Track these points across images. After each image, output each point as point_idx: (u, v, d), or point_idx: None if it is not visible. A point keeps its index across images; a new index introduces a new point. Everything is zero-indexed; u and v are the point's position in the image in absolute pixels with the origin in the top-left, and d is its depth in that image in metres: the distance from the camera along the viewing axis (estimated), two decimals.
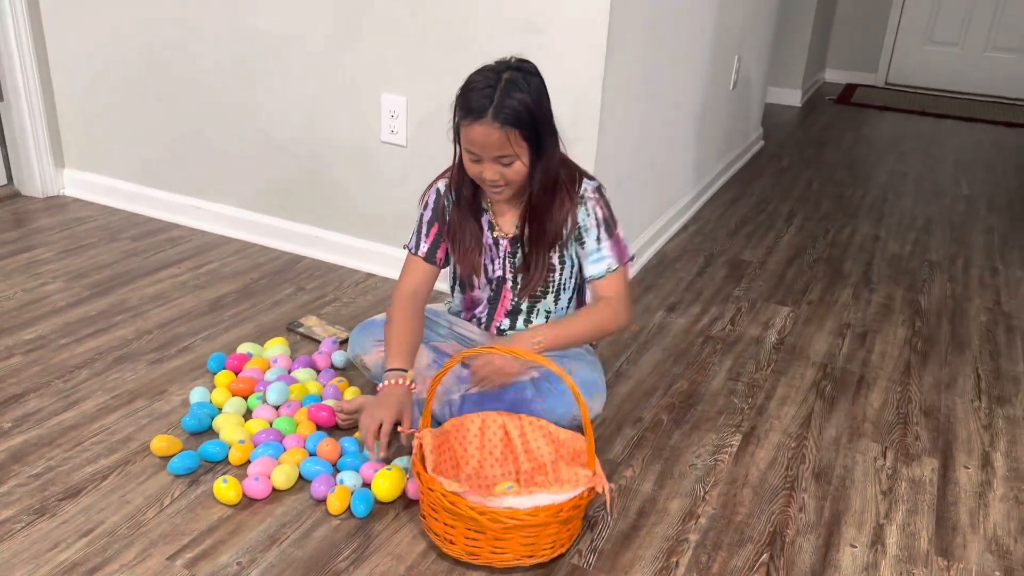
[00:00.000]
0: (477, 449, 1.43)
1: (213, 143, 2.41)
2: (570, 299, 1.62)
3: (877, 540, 1.39)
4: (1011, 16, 5.30)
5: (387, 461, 1.45)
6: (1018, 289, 2.47)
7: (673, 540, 1.36)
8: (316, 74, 2.17)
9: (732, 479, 1.52)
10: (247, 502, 1.38)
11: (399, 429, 1.40)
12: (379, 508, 1.38)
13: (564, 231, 1.51)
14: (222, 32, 2.26)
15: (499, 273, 1.59)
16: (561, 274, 1.57)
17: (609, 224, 1.53)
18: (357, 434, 1.54)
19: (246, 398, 1.64)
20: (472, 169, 1.45)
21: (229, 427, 1.51)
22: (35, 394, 1.65)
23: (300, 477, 1.43)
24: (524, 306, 1.61)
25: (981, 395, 1.87)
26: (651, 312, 2.17)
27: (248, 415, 1.61)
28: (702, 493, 1.48)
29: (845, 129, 4.49)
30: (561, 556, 1.30)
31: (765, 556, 1.33)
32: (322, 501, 1.38)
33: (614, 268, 1.53)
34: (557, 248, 1.54)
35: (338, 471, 1.45)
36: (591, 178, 1.54)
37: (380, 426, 1.39)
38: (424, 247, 1.59)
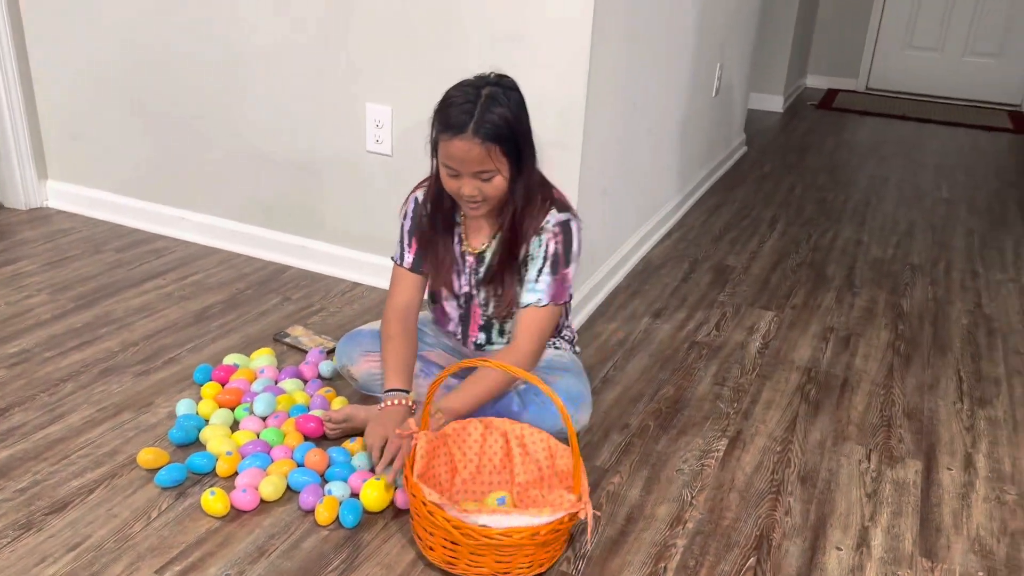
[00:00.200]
0: (476, 455, 1.43)
1: (197, 154, 2.41)
2: None
3: (862, 542, 1.40)
4: (988, 21, 5.37)
5: (394, 484, 1.43)
6: (998, 291, 2.50)
7: (661, 546, 1.37)
8: (301, 84, 2.17)
9: (719, 484, 1.53)
10: (235, 514, 1.38)
11: (397, 431, 1.41)
12: (368, 518, 1.38)
13: (520, 255, 1.50)
14: (206, 43, 2.26)
15: (465, 289, 1.59)
16: (516, 297, 1.56)
17: (557, 262, 1.49)
18: (346, 443, 1.54)
19: (233, 409, 1.64)
20: (450, 185, 1.44)
21: (216, 439, 1.51)
22: (20, 408, 1.64)
23: (288, 488, 1.43)
24: (496, 321, 1.61)
25: (963, 397, 1.90)
26: (637, 318, 2.18)
27: (235, 426, 1.61)
28: (689, 498, 1.49)
29: (827, 134, 4.53)
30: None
31: (752, 560, 1.35)
32: (310, 512, 1.38)
33: (542, 304, 1.50)
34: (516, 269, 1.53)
35: (326, 481, 1.45)
36: (563, 209, 1.50)
37: (384, 443, 1.41)
38: (409, 258, 1.59)
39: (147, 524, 1.35)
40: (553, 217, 1.49)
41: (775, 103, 5.02)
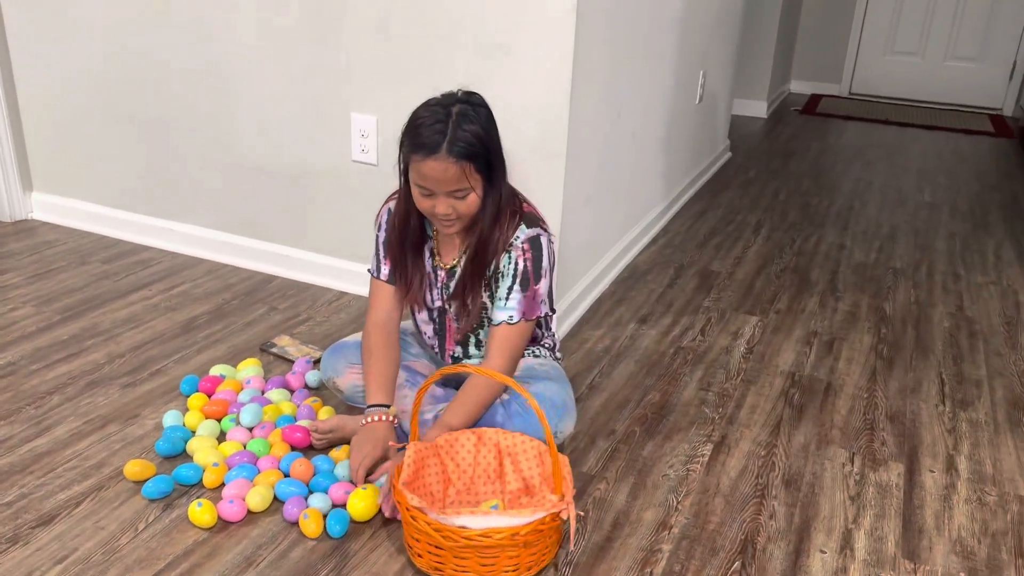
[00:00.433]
0: (470, 465, 1.44)
1: (182, 164, 2.41)
2: None
3: (846, 545, 1.42)
4: (969, 26, 5.43)
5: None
6: (979, 294, 2.53)
7: (647, 551, 1.38)
8: (285, 95, 2.18)
9: (704, 488, 1.55)
10: (222, 525, 1.38)
11: (391, 444, 1.42)
12: (355, 528, 1.39)
13: (489, 272, 1.51)
14: (191, 53, 2.27)
15: (438, 303, 1.60)
16: (483, 313, 1.57)
17: (527, 279, 1.50)
18: (332, 452, 1.55)
19: (219, 420, 1.64)
20: (423, 204, 1.43)
21: (203, 450, 1.51)
22: (6, 421, 1.64)
23: (275, 499, 1.43)
24: (471, 335, 1.62)
25: (945, 399, 1.92)
26: (623, 325, 2.20)
27: (222, 437, 1.61)
28: (675, 503, 1.50)
29: (811, 139, 4.57)
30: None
31: (737, 564, 1.36)
32: (294, 524, 1.39)
33: (514, 321, 1.50)
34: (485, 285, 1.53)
35: (312, 491, 1.45)
36: (533, 223, 1.50)
37: (367, 462, 1.42)
38: (385, 270, 1.60)
39: (134, 536, 1.35)
40: (523, 233, 1.48)
41: (759, 109, 5.05)
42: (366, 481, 1.44)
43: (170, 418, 1.63)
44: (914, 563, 1.39)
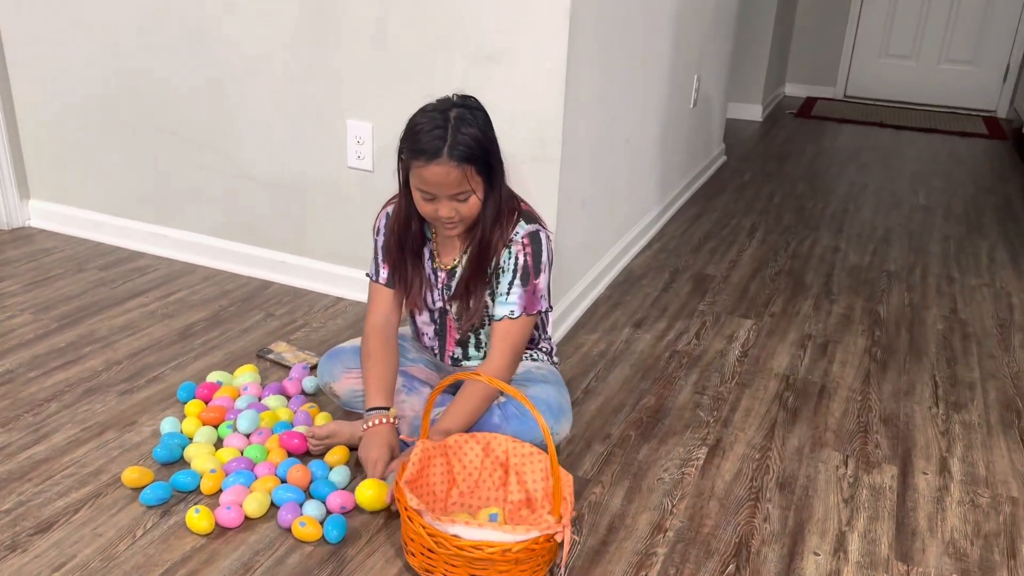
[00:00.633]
0: (476, 469, 1.45)
1: (179, 171, 2.42)
2: None
3: (839, 547, 1.43)
4: (962, 28, 5.46)
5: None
6: (973, 296, 2.55)
7: (642, 554, 1.39)
8: (281, 102, 2.19)
9: (699, 492, 1.56)
10: (220, 531, 1.39)
11: (402, 437, 1.46)
12: (352, 533, 1.40)
13: (490, 268, 1.53)
14: (187, 61, 2.28)
15: (439, 304, 1.61)
16: (486, 310, 1.59)
17: (528, 273, 1.52)
18: (328, 458, 1.55)
19: (217, 427, 1.65)
20: (426, 208, 1.45)
21: (200, 457, 1.52)
22: (4, 428, 1.65)
23: (272, 505, 1.44)
24: (471, 335, 1.64)
25: (938, 402, 1.93)
26: (618, 329, 2.21)
27: (219, 444, 1.62)
28: (670, 507, 1.51)
29: (805, 142, 4.59)
30: None
31: (731, 567, 1.37)
32: (288, 530, 1.40)
33: (515, 316, 1.52)
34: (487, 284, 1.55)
35: (310, 496, 1.46)
36: (531, 220, 1.53)
37: (381, 457, 1.45)
38: (384, 274, 1.61)
39: (132, 543, 1.35)
40: (522, 229, 1.51)
41: (754, 112, 5.07)
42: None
43: (167, 425, 1.63)
44: (907, 565, 1.40)
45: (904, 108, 5.68)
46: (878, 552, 1.42)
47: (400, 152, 1.44)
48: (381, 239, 1.60)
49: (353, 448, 1.59)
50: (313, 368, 1.90)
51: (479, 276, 1.52)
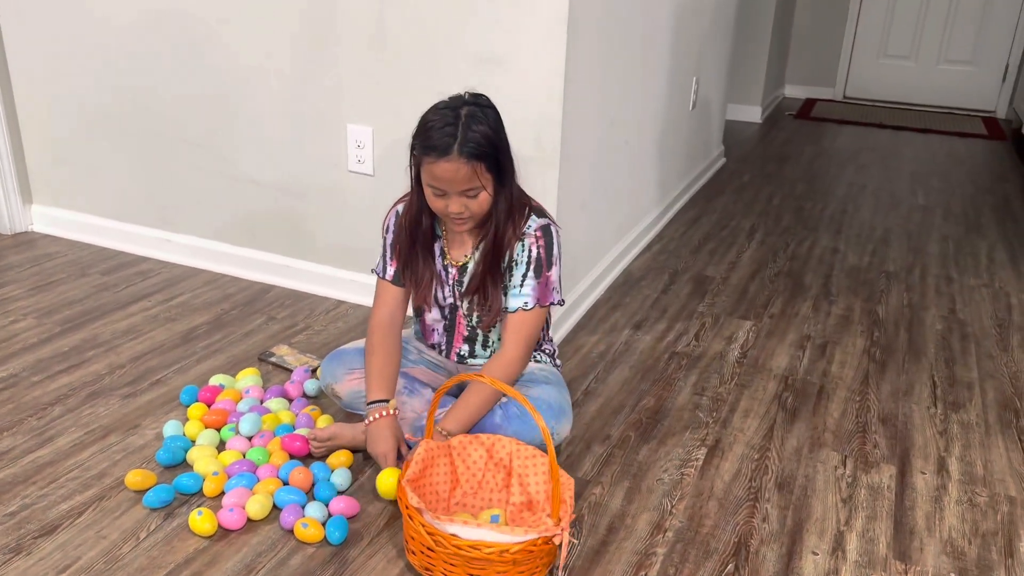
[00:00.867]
0: (480, 470, 1.46)
1: (180, 176, 2.44)
2: None
3: (838, 547, 1.44)
4: (961, 29, 5.47)
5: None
6: (972, 296, 2.55)
7: (642, 554, 1.40)
8: (282, 107, 2.21)
9: (698, 492, 1.57)
10: (222, 533, 1.40)
11: (407, 436, 1.48)
12: (353, 534, 1.41)
13: (503, 263, 1.55)
14: (188, 66, 2.29)
15: (450, 300, 1.63)
16: (506, 300, 1.61)
17: (540, 265, 1.55)
18: (330, 460, 1.57)
19: (219, 430, 1.66)
20: (436, 204, 1.48)
21: (203, 459, 1.53)
22: (8, 432, 1.66)
23: (274, 507, 1.45)
24: (480, 332, 1.65)
25: (937, 402, 1.94)
26: (618, 330, 2.22)
27: (221, 447, 1.63)
28: (669, 507, 1.52)
29: (805, 143, 4.60)
30: None
31: (730, 567, 1.38)
32: (290, 532, 1.41)
33: (529, 307, 1.55)
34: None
35: (313, 498, 1.47)
36: (541, 215, 1.56)
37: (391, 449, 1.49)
38: (391, 270, 1.63)
39: (136, 545, 1.37)
40: (534, 222, 1.55)
41: (753, 114, 5.08)
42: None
43: (170, 428, 1.65)
44: (905, 564, 1.41)
45: (903, 109, 5.69)
46: (876, 551, 1.43)
47: (412, 148, 1.47)
48: (390, 236, 1.62)
49: (355, 450, 1.60)
50: (314, 371, 1.91)
51: (494, 271, 1.55)
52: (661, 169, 2.98)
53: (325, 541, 1.39)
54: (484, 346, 1.67)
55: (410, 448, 1.54)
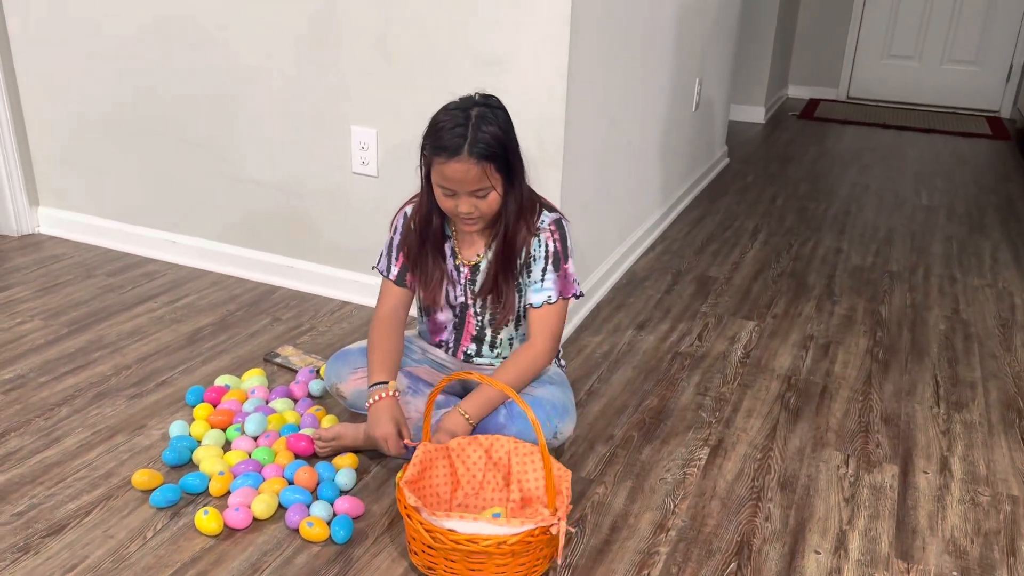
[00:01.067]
0: (480, 471, 1.47)
1: (186, 178, 2.45)
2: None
3: (840, 546, 1.44)
4: (965, 29, 5.46)
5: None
6: (975, 297, 2.56)
7: (644, 553, 1.40)
8: (286, 109, 2.22)
9: (701, 492, 1.57)
10: (228, 532, 1.41)
11: (405, 442, 1.48)
12: (358, 533, 1.42)
13: (519, 260, 1.57)
14: (193, 68, 2.31)
15: (461, 299, 1.64)
16: (519, 302, 1.62)
17: (558, 258, 1.57)
18: (334, 460, 1.58)
19: (225, 430, 1.67)
20: (446, 204, 1.50)
21: (209, 459, 1.54)
22: (16, 433, 1.67)
23: (280, 506, 1.46)
24: (488, 332, 1.66)
25: (940, 401, 1.94)
26: (621, 331, 2.23)
27: (227, 447, 1.64)
28: (672, 506, 1.53)
29: (808, 144, 4.60)
30: None
31: (733, 566, 1.38)
32: (295, 531, 1.42)
33: (553, 300, 1.58)
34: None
35: (318, 498, 1.48)
36: (552, 210, 1.59)
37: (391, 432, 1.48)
38: (394, 271, 1.64)
39: (143, 544, 1.38)
40: (546, 217, 1.57)
41: (757, 114, 5.09)
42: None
43: (176, 428, 1.66)
44: (907, 563, 1.41)
45: (907, 109, 5.69)
46: (878, 550, 1.44)
47: (423, 148, 1.48)
48: (397, 237, 1.64)
49: (359, 450, 1.61)
50: (319, 372, 1.92)
51: (507, 270, 1.56)
52: (664, 170, 2.98)
53: (330, 540, 1.40)
54: (492, 346, 1.68)
55: (408, 449, 1.55)
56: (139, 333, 2.11)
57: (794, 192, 3.64)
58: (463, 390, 1.71)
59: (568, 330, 2.18)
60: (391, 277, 1.65)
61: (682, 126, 3.12)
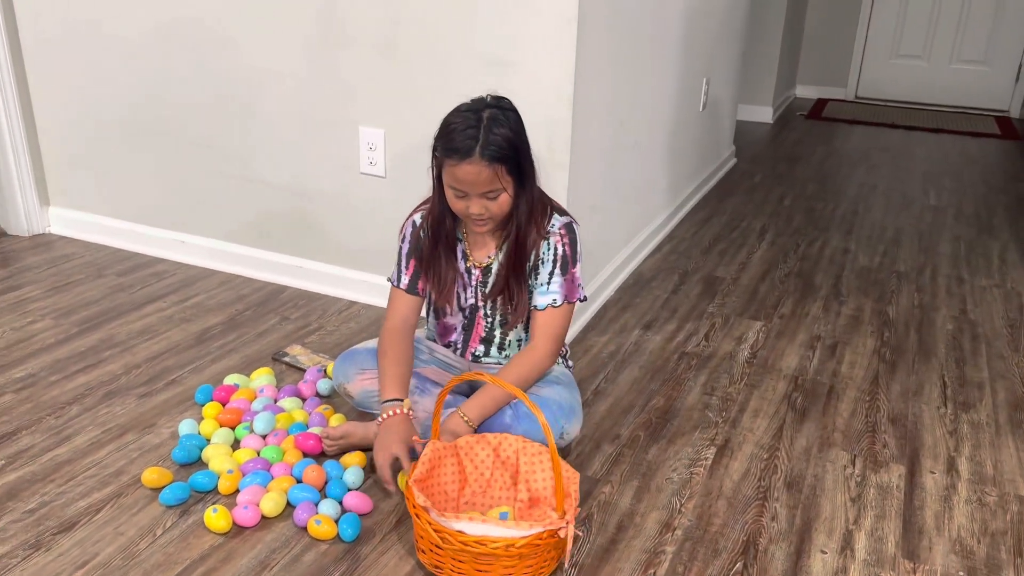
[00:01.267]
0: (488, 469, 1.48)
1: (195, 178, 2.47)
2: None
3: (846, 546, 1.45)
4: (974, 28, 5.45)
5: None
6: (983, 297, 2.55)
7: (651, 552, 1.41)
8: (294, 109, 2.23)
9: (707, 491, 1.58)
10: (237, 530, 1.42)
11: (414, 439, 1.48)
12: (366, 531, 1.43)
13: (528, 263, 1.57)
14: (202, 69, 2.32)
15: (471, 301, 1.65)
16: (530, 303, 1.63)
17: (567, 262, 1.58)
18: (343, 459, 1.59)
19: (234, 428, 1.68)
20: (457, 205, 1.50)
21: (218, 457, 1.56)
22: (27, 431, 1.69)
23: (288, 504, 1.47)
24: (497, 333, 1.67)
25: (947, 402, 1.94)
26: (628, 331, 2.23)
27: (236, 445, 1.65)
28: (678, 506, 1.53)
29: (816, 144, 4.59)
30: None
31: (739, 565, 1.39)
32: (304, 529, 1.43)
33: (558, 304, 1.58)
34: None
35: (326, 496, 1.49)
36: (563, 213, 1.59)
37: (392, 461, 1.46)
38: (405, 279, 1.65)
39: (153, 541, 1.39)
40: (557, 220, 1.58)
41: (765, 114, 5.08)
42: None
43: (186, 427, 1.67)
44: (914, 563, 1.41)
45: (915, 109, 5.67)
46: (885, 550, 1.44)
47: (434, 150, 1.48)
48: (406, 246, 1.64)
49: (366, 449, 1.62)
50: (327, 371, 1.93)
51: (518, 272, 1.57)
52: (671, 170, 2.98)
53: (338, 538, 1.40)
54: (500, 348, 1.69)
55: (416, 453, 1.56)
56: (149, 332, 2.12)
57: (802, 192, 3.64)
58: (470, 389, 1.72)
59: (575, 330, 2.18)
60: (401, 286, 1.65)
61: (689, 126, 3.12)
